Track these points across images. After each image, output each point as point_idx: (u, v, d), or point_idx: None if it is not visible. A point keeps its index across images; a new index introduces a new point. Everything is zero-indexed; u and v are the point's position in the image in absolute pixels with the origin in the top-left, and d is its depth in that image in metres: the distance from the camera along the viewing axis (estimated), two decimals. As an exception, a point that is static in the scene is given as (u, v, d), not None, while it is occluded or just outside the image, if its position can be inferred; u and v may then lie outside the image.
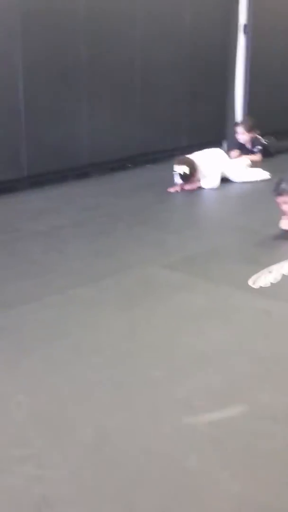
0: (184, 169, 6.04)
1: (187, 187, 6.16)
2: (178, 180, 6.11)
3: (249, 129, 7.20)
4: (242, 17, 7.65)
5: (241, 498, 2.30)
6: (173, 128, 7.29)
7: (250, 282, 4.12)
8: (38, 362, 3.21)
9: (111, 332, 3.52)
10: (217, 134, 7.71)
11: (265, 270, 4.29)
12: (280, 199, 4.86)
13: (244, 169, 6.62)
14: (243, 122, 7.41)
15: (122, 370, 3.15)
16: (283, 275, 4.23)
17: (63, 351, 3.31)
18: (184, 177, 6.08)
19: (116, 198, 6.03)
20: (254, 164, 6.84)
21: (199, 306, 3.87)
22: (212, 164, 6.27)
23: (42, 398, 2.91)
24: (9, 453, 2.54)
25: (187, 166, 6.04)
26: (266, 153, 7.24)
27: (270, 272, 4.28)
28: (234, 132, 7.32)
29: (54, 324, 3.61)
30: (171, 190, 6.16)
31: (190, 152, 6.48)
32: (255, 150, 7.19)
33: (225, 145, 7.67)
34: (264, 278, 4.18)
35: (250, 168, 6.74)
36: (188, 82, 7.43)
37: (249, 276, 4.19)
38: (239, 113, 8.00)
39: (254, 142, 7.23)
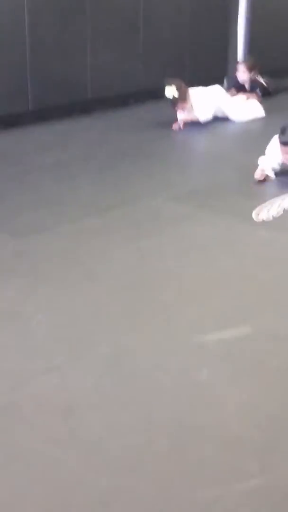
0: (173, 91, 6.10)
1: (180, 114, 6.21)
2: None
3: (250, 68, 7.22)
4: None
5: (248, 407, 2.53)
6: (175, 65, 7.32)
7: (253, 215, 4.29)
8: (54, 285, 3.40)
9: (121, 260, 3.70)
10: (218, 71, 7.75)
11: (267, 204, 4.45)
12: (285, 149, 4.78)
13: (241, 106, 6.69)
14: (244, 61, 7.43)
15: (134, 294, 3.34)
16: (284, 209, 4.40)
17: (77, 277, 3.50)
18: (173, 99, 6.14)
19: (120, 134, 6.13)
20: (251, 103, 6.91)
21: (205, 236, 4.05)
22: (206, 97, 6.33)
23: (60, 318, 3.10)
24: (34, 365, 2.75)
25: (175, 86, 6.10)
26: (265, 92, 7.28)
27: (272, 205, 4.44)
28: (235, 70, 7.33)
29: (67, 252, 3.79)
30: (174, 126, 6.25)
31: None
32: (255, 90, 7.20)
33: (225, 82, 7.71)
34: (267, 211, 4.35)
35: (247, 105, 6.80)
36: (190, 19, 7.42)
37: (252, 209, 4.35)
38: (240, 51, 8.01)
39: (253, 81, 7.25)
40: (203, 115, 6.29)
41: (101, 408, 2.52)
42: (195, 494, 2.11)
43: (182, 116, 6.29)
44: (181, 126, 6.27)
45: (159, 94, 6.16)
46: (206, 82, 7.01)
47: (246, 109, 6.72)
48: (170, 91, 6.08)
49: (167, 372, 2.73)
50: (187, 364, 2.79)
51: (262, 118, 6.68)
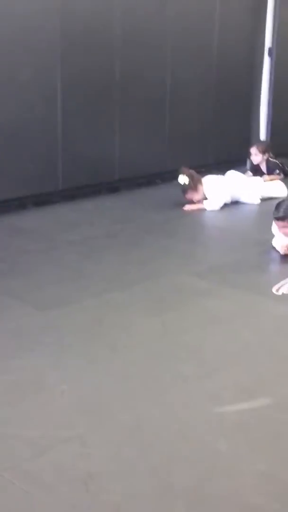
0: (184, 179, 6.31)
1: (190, 200, 6.38)
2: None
3: (263, 151, 7.34)
4: (268, 40, 7.97)
5: (267, 475, 2.56)
6: (200, 147, 7.60)
7: (273, 290, 4.38)
8: (78, 357, 3.49)
9: (144, 333, 3.80)
10: (241, 153, 7.99)
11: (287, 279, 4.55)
12: (279, 224, 4.99)
13: (261, 188, 6.83)
14: (256, 144, 7.53)
15: (156, 366, 3.42)
16: (305, 284, 4.49)
17: (100, 349, 3.60)
18: (184, 187, 6.34)
19: (145, 212, 6.33)
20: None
21: (226, 310, 4.15)
22: (218, 188, 6.48)
23: (83, 388, 3.19)
24: (55, 434, 2.82)
25: (187, 176, 6.31)
26: (284, 173, 7.41)
27: (292, 281, 4.55)
28: (249, 154, 7.46)
29: (90, 325, 3.90)
30: (186, 208, 6.41)
31: (216, 169, 6.80)
32: (275, 172, 7.32)
33: (248, 164, 7.93)
34: (287, 286, 4.44)
35: (267, 186, 6.95)
36: (215, 102, 7.74)
37: (272, 284, 4.45)
38: (263, 133, 8.29)
39: (268, 163, 7.38)
40: (212, 207, 6.42)
41: (121, 476, 2.57)
42: None
43: (192, 203, 6.45)
44: (194, 208, 6.43)
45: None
46: (229, 163, 7.27)
47: (267, 189, 6.87)
48: (182, 179, 6.31)
49: (186, 441, 2.79)
50: (206, 434, 2.84)
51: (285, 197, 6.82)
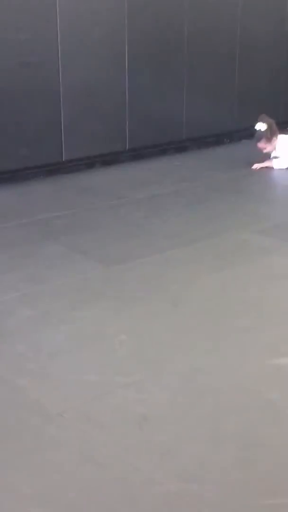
0: (262, 126, 6.23)
1: (260, 150, 6.31)
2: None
3: None
4: None
5: None
6: (270, 105, 7.48)
7: None
8: (138, 309, 3.59)
9: (204, 288, 3.86)
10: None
11: None
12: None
13: None
14: None
15: (214, 319, 3.48)
16: None
17: (160, 302, 3.68)
18: (260, 134, 6.27)
19: (212, 171, 6.33)
20: None
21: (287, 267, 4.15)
22: (286, 146, 6.40)
23: (141, 339, 3.29)
24: (113, 380, 2.93)
25: (267, 124, 6.22)
26: None
27: None
28: None
29: (153, 279, 3.99)
30: (255, 167, 6.36)
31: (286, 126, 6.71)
32: None
33: None
34: None
35: None
36: (286, 61, 7.59)
37: None
38: None
39: None
40: (280, 165, 6.34)
41: (174, 420, 2.66)
42: (258, 501, 2.21)
43: (259, 164, 6.39)
44: (264, 165, 6.37)
45: (253, 133, 6.33)
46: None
47: None
48: (260, 125, 6.23)
49: (239, 390, 2.85)
50: (260, 384, 2.89)
51: None
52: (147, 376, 2.98)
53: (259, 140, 6.27)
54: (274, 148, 6.34)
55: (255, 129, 6.23)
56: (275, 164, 6.34)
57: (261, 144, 6.29)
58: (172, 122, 6.81)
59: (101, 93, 6.19)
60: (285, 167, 6.34)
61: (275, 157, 6.37)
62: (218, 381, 2.93)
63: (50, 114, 5.94)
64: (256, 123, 6.23)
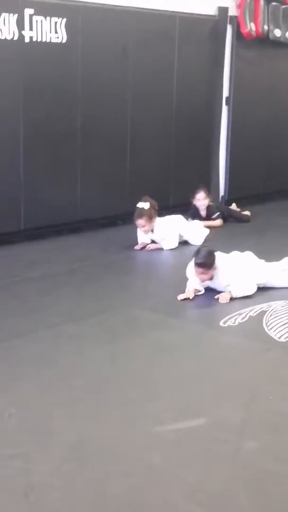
0: (145, 204, 6.51)
1: (139, 227, 6.55)
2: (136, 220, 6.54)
3: (208, 195, 7.51)
4: (225, 90, 8.37)
5: (196, 486, 2.76)
6: (160, 189, 7.88)
7: (221, 322, 4.62)
8: (28, 383, 3.68)
9: (94, 361, 4.00)
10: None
11: (235, 314, 4.79)
12: (201, 270, 5.09)
13: (204, 231, 6.95)
14: (202, 188, 7.59)
15: (102, 390, 3.62)
16: (250, 316, 4.73)
17: (51, 376, 3.79)
18: (141, 212, 6.52)
19: (104, 251, 6.55)
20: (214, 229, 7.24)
21: (173, 341, 4.37)
22: (171, 228, 6.67)
23: (30, 411, 3.37)
24: (1, 452, 2.99)
25: (149, 203, 6.51)
26: (223, 217, 7.58)
27: (239, 315, 4.78)
28: (192, 199, 7.51)
29: (43, 354, 4.09)
30: (137, 247, 6.59)
31: (175, 211, 7.09)
32: (214, 216, 7.47)
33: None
34: (234, 320, 4.68)
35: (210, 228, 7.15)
36: (174, 148, 8.07)
37: (220, 318, 4.69)
38: (222, 178, 8.63)
39: (209, 208, 7.55)
40: (170, 246, 6.59)
41: (60, 487, 2.75)
42: None
43: (143, 238, 6.63)
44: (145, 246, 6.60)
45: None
46: (188, 206, 7.57)
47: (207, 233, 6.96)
48: (143, 204, 6.49)
49: (123, 457, 2.97)
50: (143, 450, 3.03)
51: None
52: (34, 446, 3.05)
53: (140, 217, 6.54)
54: (152, 229, 6.62)
55: (137, 206, 6.49)
56: (164, 245, 6.62)
57: (140, 222, 6.56)
58: (67, 203, 7.04)
59: (-4, 175, 6.38)
60: (173, 247, 6.64)
61: (153, 241, 6.65)
62: (104, 449, 3.04)
63: None
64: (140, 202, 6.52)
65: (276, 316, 4.77)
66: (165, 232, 6.64)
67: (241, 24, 8.20)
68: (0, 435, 3.13)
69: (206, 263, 5.07)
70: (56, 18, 6.56)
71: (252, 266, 5.34)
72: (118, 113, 7.38)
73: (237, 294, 5.11)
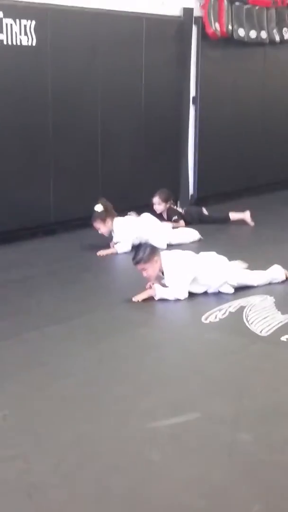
0: (99, 207, 6.51)
1: (97, 228, 6.54)
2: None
3: (165, 199, 7.52)
4: (192, 90, 8.47)
5: (195, 480, 2.83)
6: (132, 189, 7.95)
7: (202, 319, 4.70)
8: (19, 384, 3.71)
9: (82, 361, 4.04)
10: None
11: (216, 309, 4.88)
12: (139, 267, 5.16)
13: (170, 234, 6.89)
14: (158, 193, 7.56)
15: (93, 389, 3.67)
16: (230, 312, 4.83)
17: (41, 376, 3.82)
18: (95, 215, 6.52)
19: (82, 252, 6.58)
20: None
21: (158, 338, 4.45)
22: (126, 230, 6.62)
23: (24, 412, 3.40)
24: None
25: (103, 206, 6.51)
26: (185, 220, 7.63)
27: (220, 311, 4.87)
28: (151, 204, 7.49)
29: (31, 355, 4.12)
30: (99, 253, 6.50)
31: (148, 211, 7.16)
32: (174, 219, 7.39)
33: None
34: (215, 316, 4.77)
35: (181, 230, 7.14)
36: (144, 148, 8.14)
37: (202, 314, 4.77)
38: (191, 176, 8.73)
39: (169, 211, 7.53)
40: (123, 250, 6.54)
41: (61, 486, 2.79)
42: None
43: (104, 251, 6.53)
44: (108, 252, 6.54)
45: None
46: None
47: (180, 235, 6.95)
48: (98, 207, 6.51)
49: (121, 453, 3.03)
50: (140, 446, 3.09)
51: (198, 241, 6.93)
52: (32, 446, 3.09)
53: (95, 220, 6.56)
54: (109, 230, 6.61)
55: (94, 209, 6.52)
56: (118, 249, 6.57)
57: (96, 225, 6.58)
58: (40, 206, 7.06)
59: None
60: (126, 250, 6.53)
61: (115, 243, 6.62)
62: (101, 447, 3.09)
63: None
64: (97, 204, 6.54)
65: (256, 311, 4.86)
66: (121, 234, 6.62)
67: (206, 25, 8.31)
68: (-2, 437, 3.16)
69: (137, 259, 5.09)
70: (25, 20, 6.58)
71: (210, 267, 5.23)
72: (89, 115, 7.43)
73: (161, 295, 5.07)
